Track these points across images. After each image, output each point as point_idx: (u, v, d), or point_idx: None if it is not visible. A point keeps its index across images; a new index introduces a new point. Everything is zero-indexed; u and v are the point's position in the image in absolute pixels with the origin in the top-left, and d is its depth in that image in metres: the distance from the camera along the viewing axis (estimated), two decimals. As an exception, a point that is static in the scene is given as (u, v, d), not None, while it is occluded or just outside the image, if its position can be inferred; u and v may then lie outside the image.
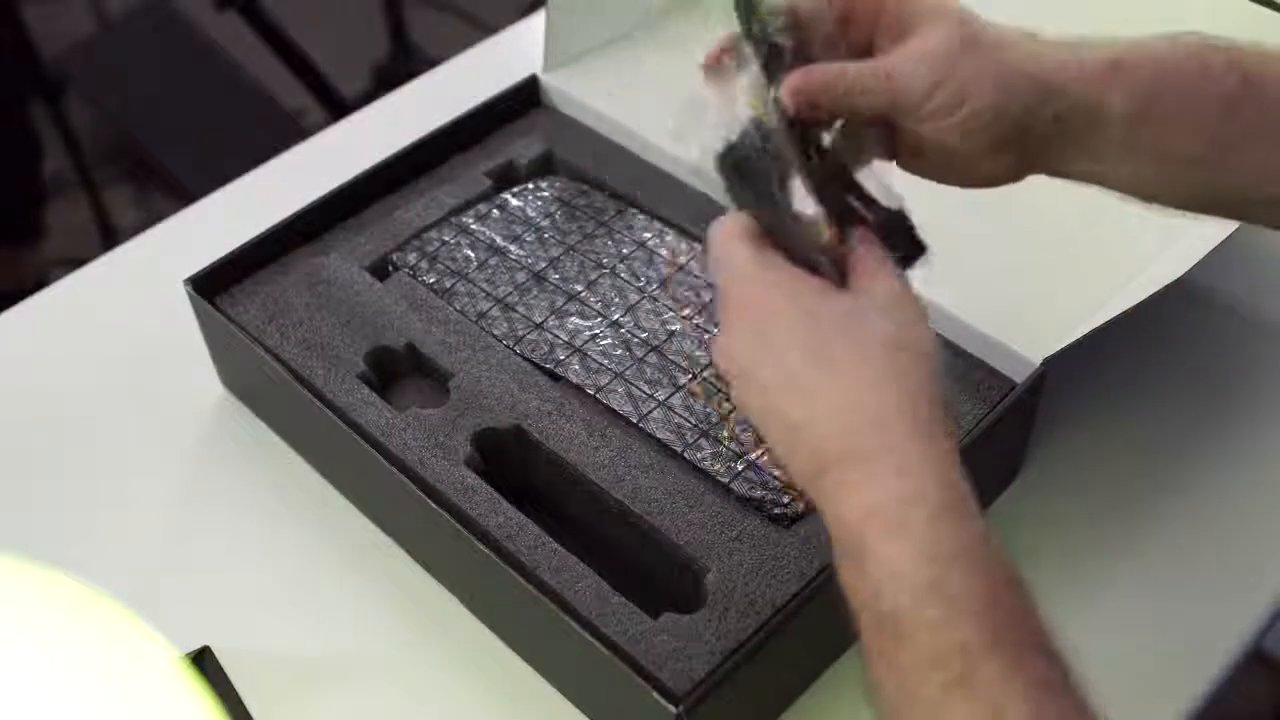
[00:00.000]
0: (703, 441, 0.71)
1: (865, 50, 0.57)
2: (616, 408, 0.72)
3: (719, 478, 0.69)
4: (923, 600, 0.45)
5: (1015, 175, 0.58)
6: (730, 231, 0.54)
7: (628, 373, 0.74)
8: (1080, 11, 0.94)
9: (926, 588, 0.45)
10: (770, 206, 0.55)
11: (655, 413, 0.72)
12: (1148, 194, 0.58)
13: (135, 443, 0.82)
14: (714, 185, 0.57)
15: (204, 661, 0.70)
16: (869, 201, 0.57)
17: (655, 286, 0.79)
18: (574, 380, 0.74)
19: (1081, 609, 0.72)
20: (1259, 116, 0.55)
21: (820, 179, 0.56)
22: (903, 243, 0.57)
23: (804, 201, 0.56)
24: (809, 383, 0.50)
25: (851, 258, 0.54)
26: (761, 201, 0.56)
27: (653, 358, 0.75)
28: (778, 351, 0.51)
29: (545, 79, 0.92)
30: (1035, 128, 0.55)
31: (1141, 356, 0.83)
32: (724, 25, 0.58)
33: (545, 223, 0.84)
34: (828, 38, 0.57)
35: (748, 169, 0.56)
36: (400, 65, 2.05)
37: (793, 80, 0.56)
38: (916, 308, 0.53)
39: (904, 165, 0.59)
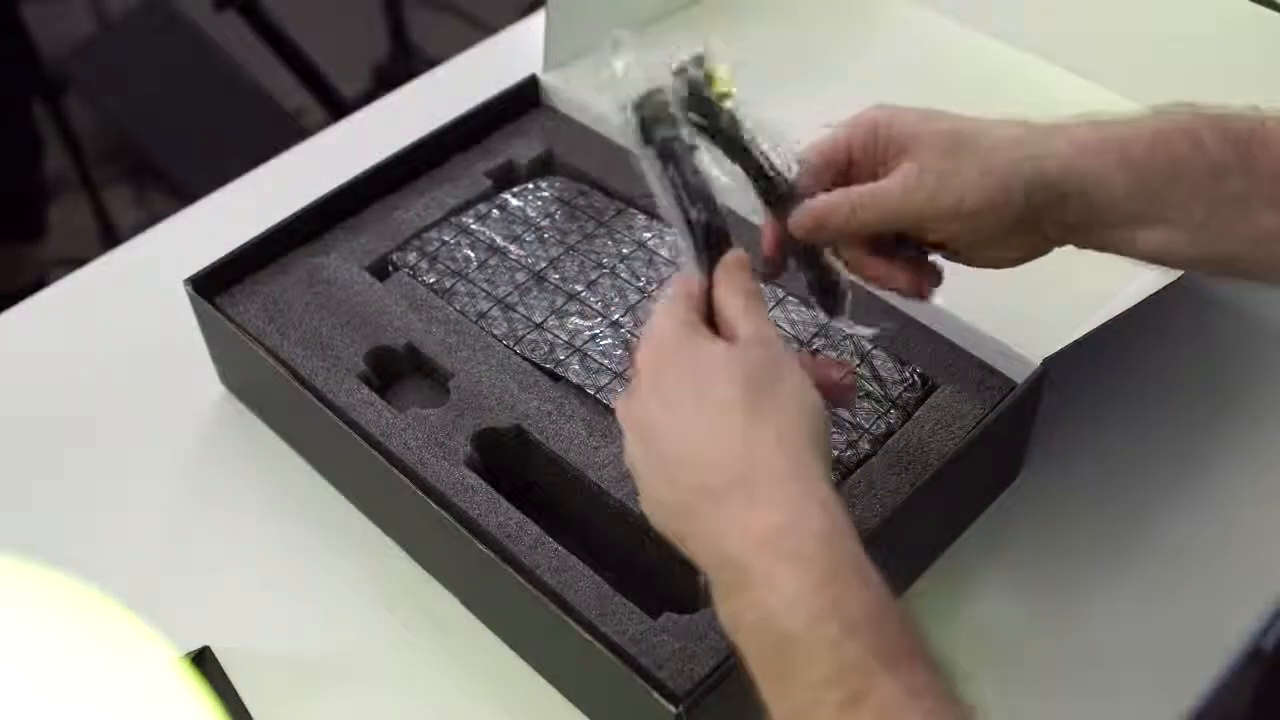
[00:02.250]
0: (703, 441, 0.70)
1: (872, 178, 0.62)
2: (616, 408, 0.72)
3: (719, 478, 0.69)
4: (818, 621, 0.46)
5: (1040, 252, 0.62)
6: (670, 308, 0.56)
7: (628, 372, 0.74)
8: (1082, 11, 0.95)
9: (821, 608, 0.47)
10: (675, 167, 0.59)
11: (655, 413, 0.72)
12: (1164, 259, 0.60)
13: (135, 443, 0.82)
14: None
15: (204, 661, 0.70)
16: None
17: (655, 286, 0.79)
18: (574, 380, 0.74)
19: (1082, 609, 0.72)
20: (1247, 183, 0.57)
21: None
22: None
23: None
24: (696, 421, 0.52)
25: (718, 303, 0.56)
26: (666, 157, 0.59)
27: (653, 358, 0.75)
28: (665, 397, 0.53)
29: (545, 79, 0.92)
30: (1041, 212, 0.59)
31: (1141, 357, 0.83)
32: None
33: (545, 223, 0.84)
34: (838, 177, 0.62)
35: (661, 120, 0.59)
36: (400, 65, 2.05)
37: (796, 217, 0.61)
38: (782, 349, 0.55)
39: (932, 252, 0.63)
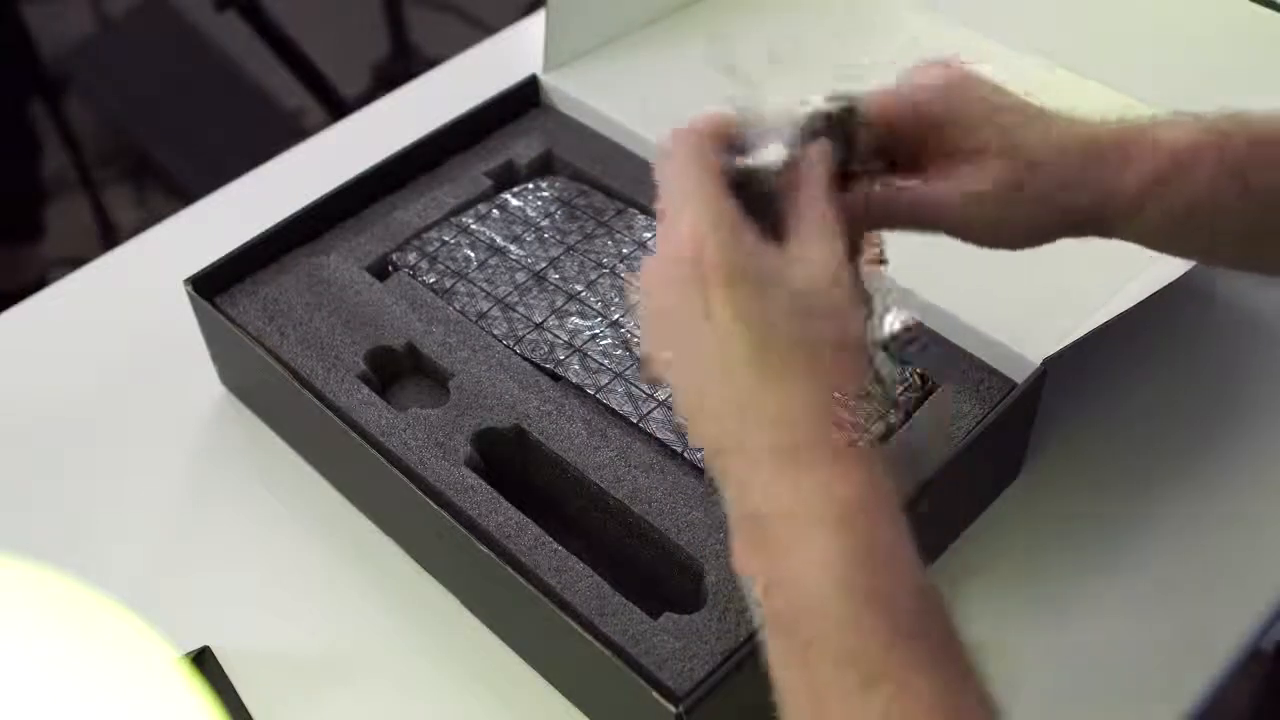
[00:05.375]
0: (703, 441, 0.70)
1: (910, 155, 0.57)
2: (616, 408, 0.72)
3: (719, 478, 0.69)
4: (841, 599, 0.44)
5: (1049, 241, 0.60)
6: (689, 137, 0.50)
7: (628, 373, 0.74)
8: (1082, 12, 0.95)
9: (844, 587, 0.44)
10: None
11: (655, 413, 0.72)
12: (1196, 259, 0.61)
13: (135, 443, 0.82)
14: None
15: (204, 661, 0.71)
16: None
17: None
18: (574, 380, 0.74)
19: (1082, 608, 0.72)
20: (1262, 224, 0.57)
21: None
22: None
23: None
24: (735, 359, 0.47)
25: (795, 215, 0.50)
26: None
27: (653, 358, 0.75)
28: (712, 320, 0.48)
29: (545, 79, 0.92)
30: (1078, 230, 0.58)
31: (1141, 356, 0.83)
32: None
33: (545, 223, 0.84)
34: (875, 148, 0.57)
35: None
36: (400, 65, 2.05)
37: (852, 198, 0.56)
38: (850, 290, 0.50)
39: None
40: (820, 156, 0.52)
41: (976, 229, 0.58)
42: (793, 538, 0.46)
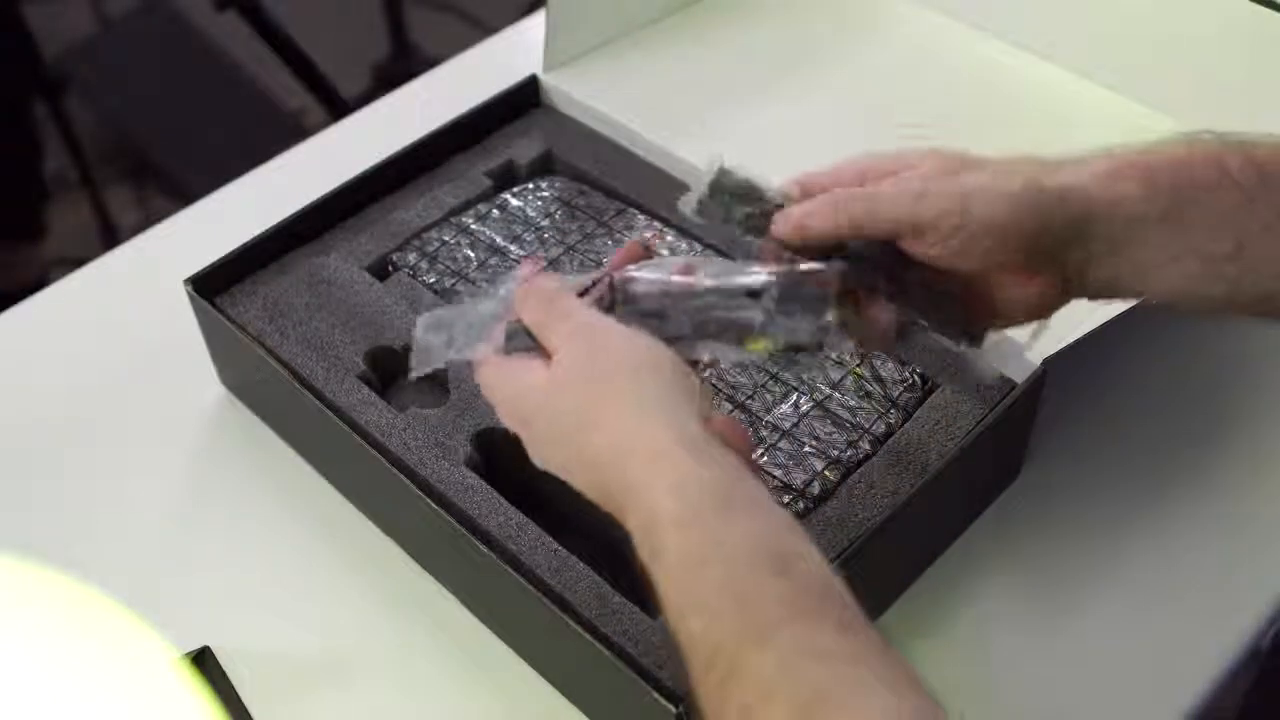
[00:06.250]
0: (703, 441, 0.70)
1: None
2: (616, 408, 0.72)
3: (719, 478, 0.69)
4: (683, 614, 0.48)
5: (1054, 298, 0.59)
6: (485, 363, 0.59)
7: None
8: (1082, 11, 0.95)
9: (681, 603, 0.48)
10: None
11: (655, 413, 0.72)
12: (1190, 297, 0.58)
13: (135, 443, 0.82)
14: None
15: (204, 661, 0.71)
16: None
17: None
18: (574, 380, 0.74)
19: (1082, 608, 0.72)
20: (1274, 214, 0.55)
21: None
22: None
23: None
24: (565, 460, 0.55)
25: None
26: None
27: (653, 358, 0.75)
28: (538, 444, 0.56)
29: (545, 79, 0.92)
30: (1052, 238, 0.56)
31: (1141, 356, 0.83)
32: None
33: (545, 223, 0.84)
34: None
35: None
36: (400, 65, 2.06)
37: (779, 223, 0.59)
38: (591, 340, 0.55)
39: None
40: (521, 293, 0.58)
41: (916, 219, 0.56)
42: (646, 567, 0.50)
